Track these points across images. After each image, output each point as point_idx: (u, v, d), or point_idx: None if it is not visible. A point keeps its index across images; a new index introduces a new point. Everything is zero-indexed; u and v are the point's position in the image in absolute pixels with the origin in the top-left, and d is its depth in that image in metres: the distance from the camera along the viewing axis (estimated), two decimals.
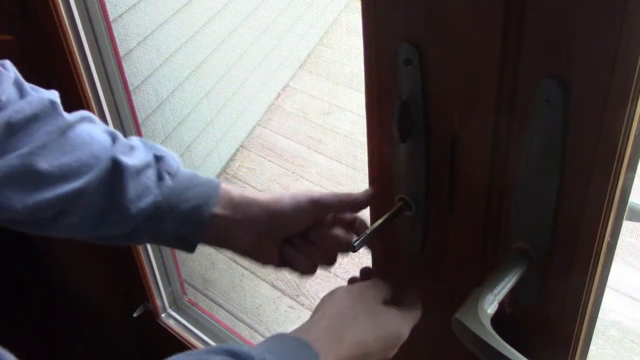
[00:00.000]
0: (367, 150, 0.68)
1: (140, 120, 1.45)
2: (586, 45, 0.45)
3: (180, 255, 1.77)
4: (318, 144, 2.56)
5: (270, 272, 2.09)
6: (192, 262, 2.11)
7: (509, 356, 0.52)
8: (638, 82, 0.44)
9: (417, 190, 0.64)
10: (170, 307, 1.63)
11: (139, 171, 0.65)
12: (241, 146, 2.59)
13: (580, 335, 0.60)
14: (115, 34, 1.21)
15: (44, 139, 0.61)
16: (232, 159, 2.54)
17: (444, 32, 0.52)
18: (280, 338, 0.58)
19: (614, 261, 0.56)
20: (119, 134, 0.68)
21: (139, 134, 1.37)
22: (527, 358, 0.51)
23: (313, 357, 0.56)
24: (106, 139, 0.66)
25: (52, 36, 1.10)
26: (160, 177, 0.66)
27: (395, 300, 0.66)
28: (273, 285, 2.06)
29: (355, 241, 0.66)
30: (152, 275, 1.54)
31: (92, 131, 0.65)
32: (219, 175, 2.47)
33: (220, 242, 0.70)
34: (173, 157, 0.69)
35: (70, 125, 0.63)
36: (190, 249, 0.69)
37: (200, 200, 0.66)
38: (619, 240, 0.55)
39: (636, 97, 0.45)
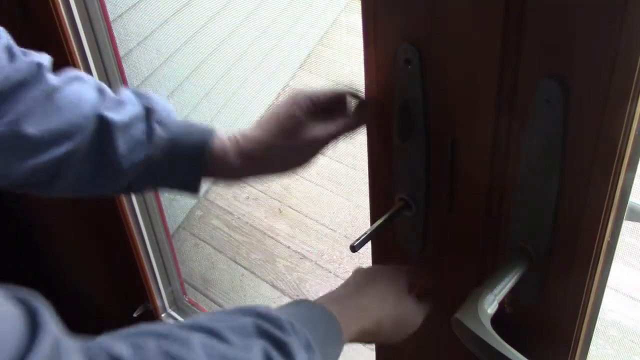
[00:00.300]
0: (367, 151, 0.68)
1: None
2: (586, 45, 0.45)
3: (180, 255, 1.77)
4: None
5: (270, 272, 2.09)
6: (192, 262, 2.11)
7: (509, 356, 0.52)
8: (638, 82, 0.44)
9: (417, 190, 0.64)
10: (170, 307, 1.63)
11: (128, 125, 0.64)
12: None
13: (580, 335, 0.60)
14: (115, 34, 1.21)
15: (29, 105, 0.61)
16: None
17: (444, 32, 0.52)
18: (307, 306, 0.59)
19: (614, 261, 0.56)
20: (108, 90, 0.67)
21: None
22: (527, 358, 0.51)
23: (336, 332, 0.58)
24: (95, 97, 0.65)
25: (52, 36, 1.10)
26: (151, 129, 0.65)
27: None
28: (273, 285, 2.06)
29: (356, 241, 0.66)
30: (152, 275, 1.54)
31: (81, 91, 0.65)
32: None
33: (222, 180, 0.70)
34: (164, 107, 0.68)
35: (56, 89, 0.63)
36: (193, 192, 0.69)
37: (195, 148, 0.65)
38: (619, 240, 0.55)
39: (636, 97, 0.45)
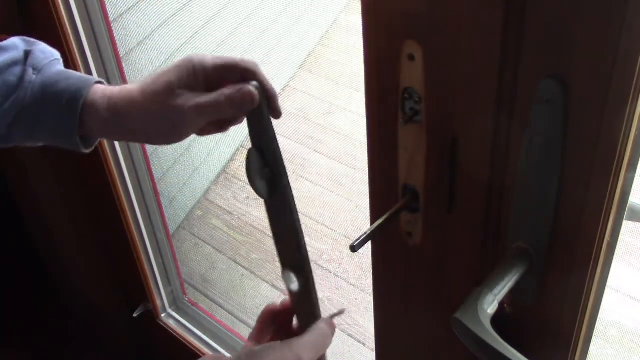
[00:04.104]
0: (367, 150, 0.68)
1: None
2: (586, 45, 0.45)
3: (180, 255, 1.77)
4: (318, 144, 2.56)
5: (270, 272, 2.09)
6: (192, 262, 2.11)
7: (509, 356, 0.52)
8: (638, 82, 0.44)
9: (418, 189, 0.65)
10: (170, 307, 1.63)
11: (2, 70, 0.63)
12: (241, 146, 2.59)
13: (580, 335, 0.60)
14: (115, 34, 1.21)
15: None
16: (232, 159, 2.54)
17: (444, 32, 0.52)
18: None
19: (614, 261, 0.56)
20: None
21: None
22: (527, 358, 0.51)
23: None
24: None
25: (52, 36, 1.10)
26: (23, 73, 0.64)
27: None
28: (273, 285, 2.06)
29: (355, 241, 0.66)
30: (152, 275, 1.54)
31: None
32: (219, 175, 2.47)
33: (97, 135, 0.67)
34: (45, 52, 0.66)
35: None
36: (73, 145, 0.66)
37: (69, 93, 0.63)
38: (619, 240, 0.55)
39: (636, 97, 0.45)
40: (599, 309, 0.59)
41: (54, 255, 1.75)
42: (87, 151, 0.67)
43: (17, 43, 0.66)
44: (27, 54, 0.65)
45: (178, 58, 0.64)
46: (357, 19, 0.60)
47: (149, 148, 1.63)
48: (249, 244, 2.19)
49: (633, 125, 0.46)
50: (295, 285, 0.61)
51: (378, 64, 0.60)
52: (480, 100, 0.53)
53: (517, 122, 0.52)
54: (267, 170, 0.59)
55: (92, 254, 1.60)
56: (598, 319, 0.60)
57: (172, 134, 0.63)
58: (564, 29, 0.45)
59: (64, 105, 0.63)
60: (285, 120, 2.65)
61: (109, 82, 1.24)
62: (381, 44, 0.58)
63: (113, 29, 1.20)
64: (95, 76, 0.66)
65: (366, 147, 0.68)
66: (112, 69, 1.22)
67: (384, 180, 0.68)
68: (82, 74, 0.65)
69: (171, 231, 1.77)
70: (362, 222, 2.20)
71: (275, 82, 2.76)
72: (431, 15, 0.53)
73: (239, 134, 2.60)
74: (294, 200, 0.60)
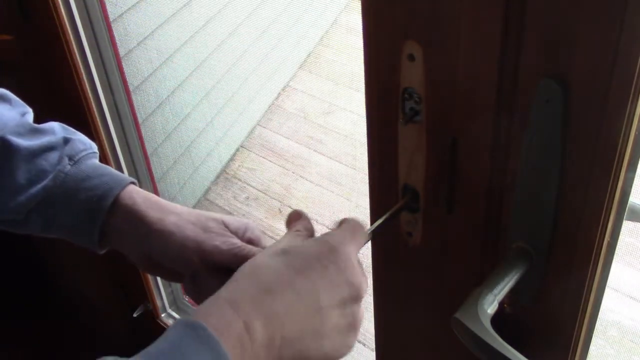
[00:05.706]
0: (367, 150, 0.68)
1: (140, 120, 1.45)
2: (586, 45, 0.45)
3: None
4: (318, 144, 2.56)
5: None
6: None
7: (509, 356, 0.52)
8: (638, 82, 0.44)
9: (418, 189, 0.65)
10: (170, 307, 1.63)
11: (35, 154, 0.61)
12: (241, 146, 2.59)
13: (580, 335, 0.60)
14: (115, 34, 1.21)
15: None
16: (232, 159, 2.54)
17: (444, 32, 0.52)
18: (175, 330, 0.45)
19: (614, 261, 0.56)
20: (28, 115, 0.65)
21: (139, 134, 1.37)
22: (527, 358, 0.51)
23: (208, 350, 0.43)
24: (12, 119, 0.63)
25: (52, 36, 1.10)
26: (58, 161, 0.62)
27: None
28: None
29: None
30: (152, 275, 1.54)
31: None
32: (219, 175, 2.47)
33: (117, 246, 0.64)
34: (84, 142, 0.64)
35: None
36: (92, 246, 0.64)
37: (100, 191, 0.60)
38: (619, 240, 0.55)
39: (636, 97, 0.45)
40: (599, 309, 0.59)
41: (54, 256, 1.75)
42: (101, 252, 0.65)
43: (55, 128, 0.64)
44: (67, 141, 0.63)
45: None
46: (357, 19, 0.60)
47: (149, 148, 1.63)
48: None
49: (633, 125, 0.46)
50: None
51: (378, 64, 0.60)
52: (480, 100, 0.53)
53: (517, 122, 0.52)
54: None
55: (93, 253, 1.60)
56: (598, 319, 0.60)
57: (174, 264, 0.60)
58: (563, 29, 0.45)
59: (91, 202, 0.60)
60: (285, 120, 2.65)
61: (109, 82, 1.24)
62: (381, 44, 0.58)
63: (113, 29, 1.20)
64: (129, 176, 0.63)
65: (366, 147, 0.68)
66: (112, 69, 1.22)
67: (384, 180, 0.68)
68: (116, 172, 0.63)
69: None
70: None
71: (275, 82, 2.77)
72: (431, 15, 0.53)
73: (239, 134, 2.60)
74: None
